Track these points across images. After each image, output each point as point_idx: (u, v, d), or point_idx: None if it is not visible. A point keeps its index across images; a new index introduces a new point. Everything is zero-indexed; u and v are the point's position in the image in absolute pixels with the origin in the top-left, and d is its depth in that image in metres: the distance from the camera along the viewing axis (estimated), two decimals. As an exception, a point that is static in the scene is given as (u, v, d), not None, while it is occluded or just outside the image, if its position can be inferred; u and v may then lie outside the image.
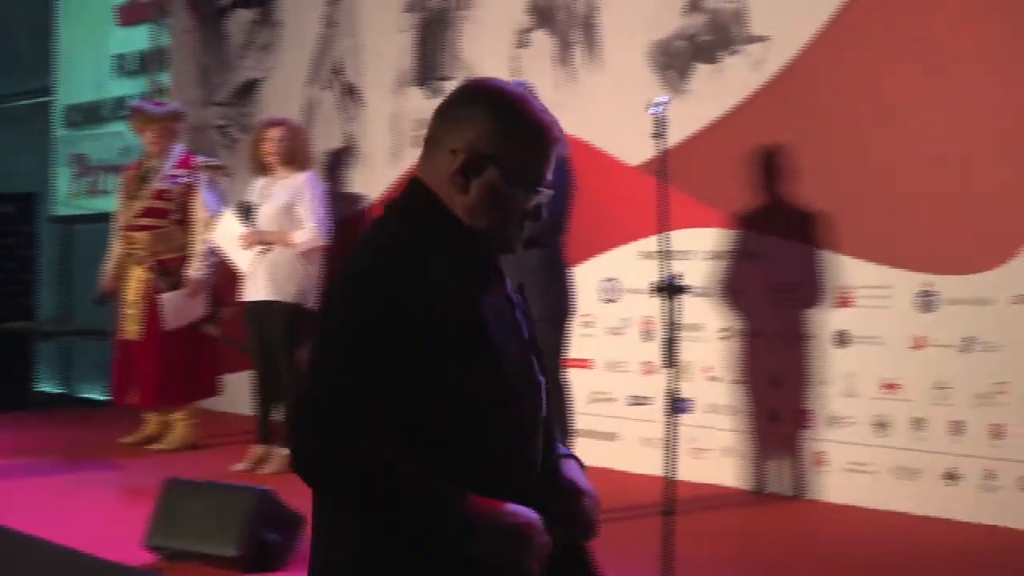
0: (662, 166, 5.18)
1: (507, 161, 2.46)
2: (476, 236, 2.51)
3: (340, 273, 2.44)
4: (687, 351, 7.14)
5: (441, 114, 2.58)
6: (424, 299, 2.34)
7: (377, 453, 2.30)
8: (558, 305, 6.14)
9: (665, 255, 5.17)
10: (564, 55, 8.12)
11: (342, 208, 8.98)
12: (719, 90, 7.30)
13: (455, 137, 2.50)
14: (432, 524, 2.32)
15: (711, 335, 7.28)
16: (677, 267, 6.86)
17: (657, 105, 5.14)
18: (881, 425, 6.56)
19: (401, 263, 2.37)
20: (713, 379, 7.26)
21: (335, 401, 2.29)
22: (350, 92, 9.59)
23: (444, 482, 2.33)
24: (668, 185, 5.26)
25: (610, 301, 7.76)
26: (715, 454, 7.22)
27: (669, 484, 4.97)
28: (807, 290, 6.85)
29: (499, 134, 2.46)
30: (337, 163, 9.59)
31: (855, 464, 6.64)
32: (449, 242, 2.46)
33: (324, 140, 9.57)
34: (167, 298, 8.08)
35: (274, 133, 7.65)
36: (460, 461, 2.38)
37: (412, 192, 2.53)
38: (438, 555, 2.33)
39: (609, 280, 7.76)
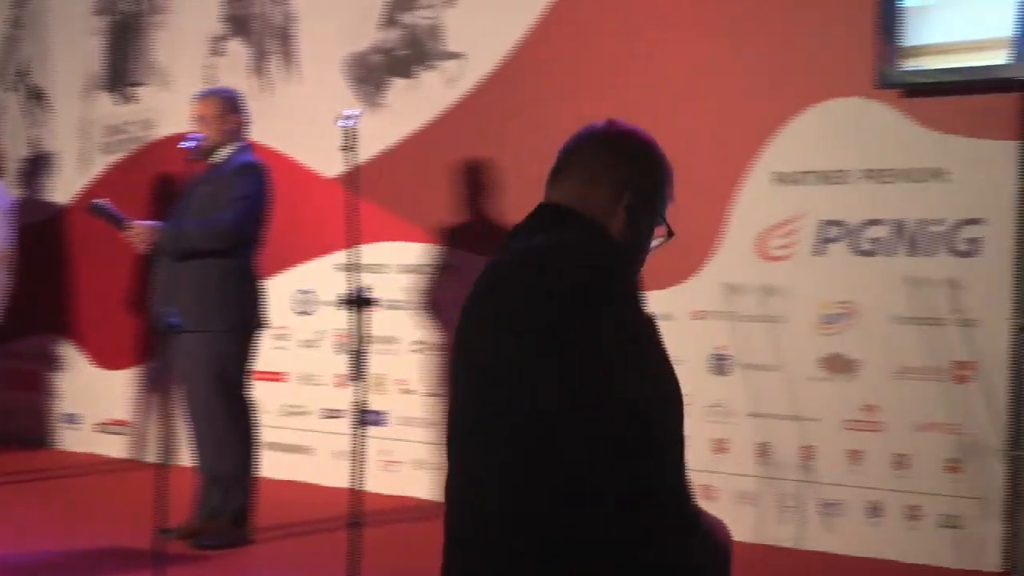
0: (353, 179, 5.19)
1: (653, 196, 2.71)
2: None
3: (575, 299, 2.34)
4: (382, 364, 7.22)
5: (596, 150, 2.74)
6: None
7: None
8: (244, 316, 6.06)
9: (354, 268, 5.17)
10: (260, 65, 8.05)
11: (30, 214, 8.65)
12: (415, 105, 7.37)
13: (617, 175, 2.67)
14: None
15: (405, 348, 7.32)
16: (372, 280, 6.94)
17: (348, 118, 5.14)
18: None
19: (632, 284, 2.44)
20: (407, 392, 7.31)
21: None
22: (37, 96, 9.27)
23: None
24: (359, 198, 5.28)
25: (304, 313, 7.72)
26: (409, 466, 7.26)
27: (356, 496, 4.97)
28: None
29: (649, 173, 2.72)
30: (27, 168, 9.25)
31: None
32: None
33: (11, 145, 9.21)
34: None
35: None
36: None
37: (581, 221, 2.60)
38: None
39: (304, 292, 7.72)
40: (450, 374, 2.50)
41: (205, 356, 5.93)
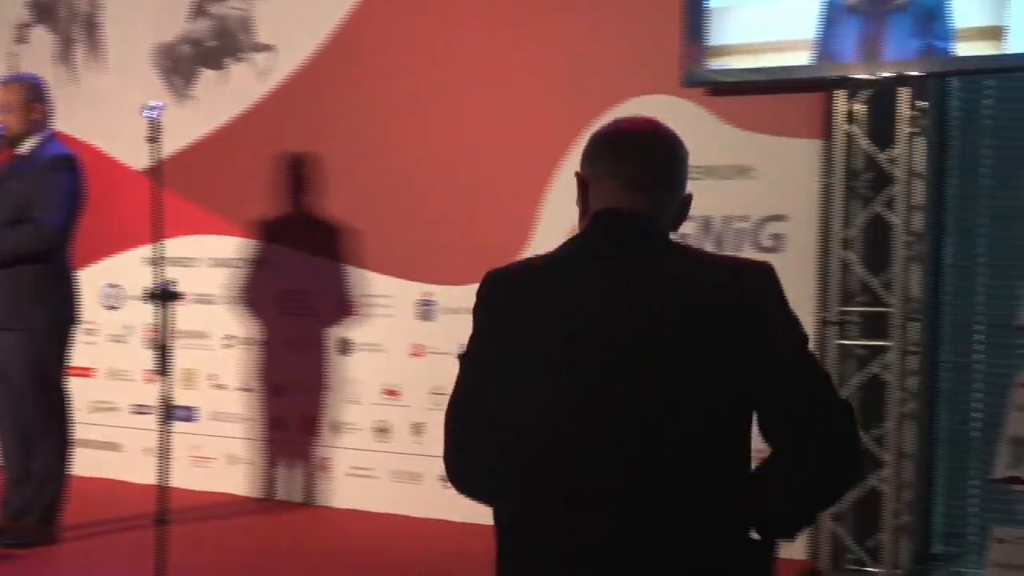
0: (158, 171, 5.10)
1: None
2: None
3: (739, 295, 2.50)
4: (192, 359, 7.12)
5: (667, 158, 2.69)
6: None
7: None
8: (62, 313, 5.92)
9: (159, 261, 5.08)
10: (65, 53, 7.85)
11: None
12: (225, 97, 7.27)
13: (681, 182, 2.68)
14: None
15: (216, 343, 7.23)
16: (182, 274, 6.83)
17: (151, 109, 5.04)
18: (383, 431, 6.72)
19: None
20: (219, 387, 7.22)
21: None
22: None
23: None
24: (163, 191, 5.19)
25: (113, 308, 7.57)
26: (221, 462, 7.18)
27: (163, 492, 4.89)
28: (312, 299, 6.93)
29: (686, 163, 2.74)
30: None
31: (359, 469, 6.77)
32: None
33: None
34: None
35: None
36: None
37: (661, 232, 2.64)
38: None
39: (112, 286, 7.57)
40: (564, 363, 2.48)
41: (24, 354, 5.80)
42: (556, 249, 2.60)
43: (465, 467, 2.62)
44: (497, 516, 2.62)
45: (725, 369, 2.43)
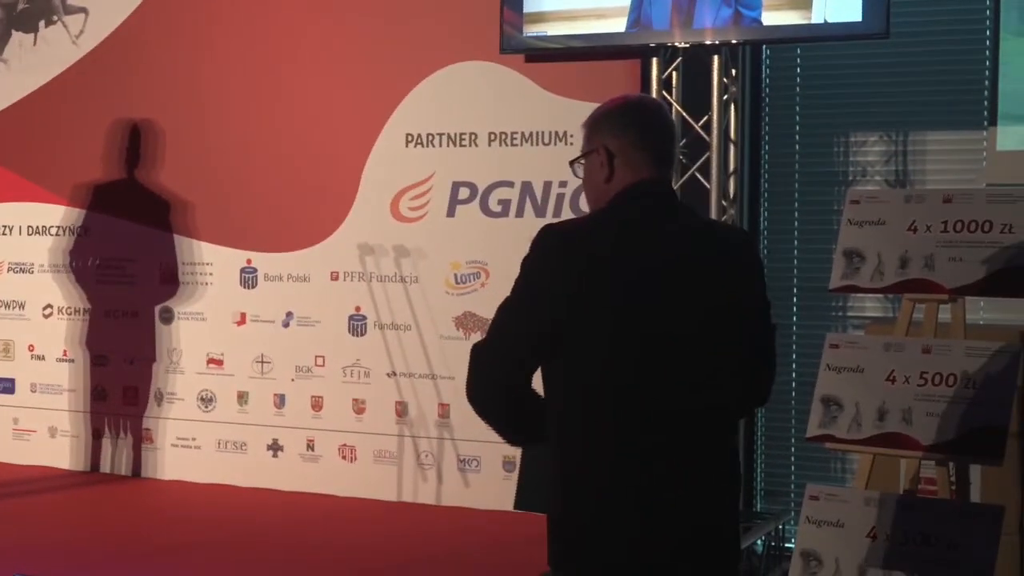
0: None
1: None
2: None
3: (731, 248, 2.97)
4: (9, 329, 6.96)
5: (676, 138, 3.04)
6: None
7: None
8: None
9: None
10: None
11: None
12: (38, 61, 7.07)
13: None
14: None
15: (35, 312, 7.06)
16: (-2, 242, 6.69)
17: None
18: (207, 400, 6.65)
19: None
20: (38, 358, 7.06)
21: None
22: None
23: None
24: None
25: (-75, 278, 7.36)
26: (43, 435, 7.03)
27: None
28: (134, 266, 6.80)
29: None
30: None
31: (184, 440, 6.70)
32: None
33: None
34: None
35: None
36: None
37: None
38: None
39: (-76, 255, 7.35)
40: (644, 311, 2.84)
41: None
42: (603, 210, 2.91)
43: (494, 398, 2.95)
44: (563, 450, 2.88)
45: (739, 320, 2.90)
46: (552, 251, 2.85)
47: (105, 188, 6.90)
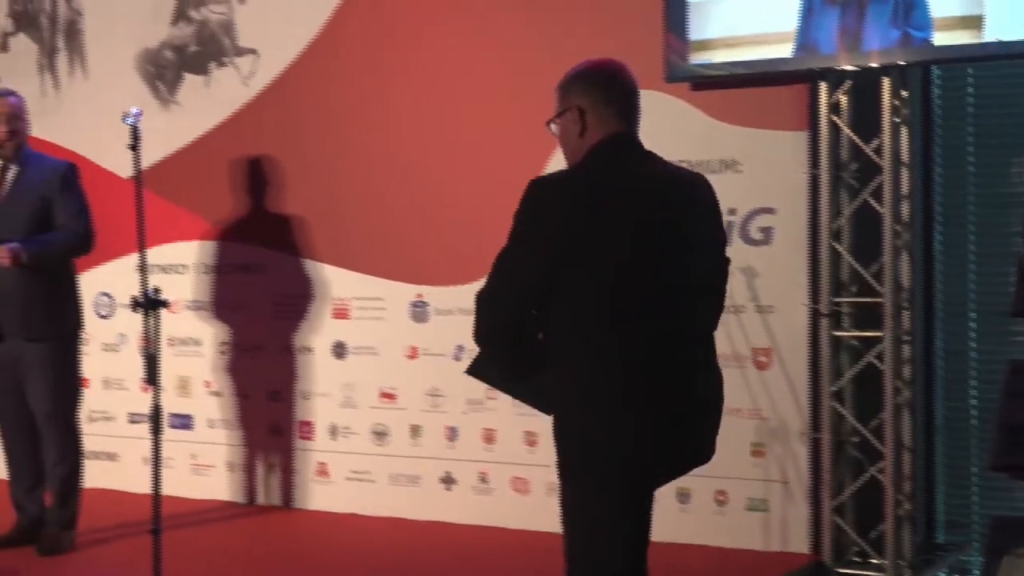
0: (140, 178, 5.12)
1: None
2: None
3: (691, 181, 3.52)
4: (186, 366, 7.14)
5: (636, 90, 3.63)
6: None
7: None
8: (77, 322, 6.09)
9: (143, 268, 5.08)
10: (49, 62, 7.82)
11: None
12: (210, 102, 7.24)
13: None
14: None
15: (210, 349, 7.22)
16: (172, 280, 6.85)
17: (131, 116, 5.04)
18: (380, 434, 6.72)
19: None
20: (214, 394, 7.21)
21: None
22: None
23: None
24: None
25: (104, 316, 7.55)
26: (220, 470, 7.18)
27: (157, 502, 4.87)
28: (304, 302, 6.91)
29: None
30: None
31: (356, 473, 6.77)
32: None
33: None
34: None
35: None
36: None
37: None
38: None
39: (104, 295, 7.55)
40: (650, 244, 3.29)
41: (50, 363, 5.90)
42: (585, 163, 3.43)
43: (499, 338, 3.37)
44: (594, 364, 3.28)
45: (712, 250, 3.47)
46: (545, 199, 3.34)
47: (278, 225, 7.03)
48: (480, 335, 3.35)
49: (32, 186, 5.91)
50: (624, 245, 3.24)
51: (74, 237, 5.91)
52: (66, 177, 5.97)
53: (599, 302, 3.24)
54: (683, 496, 5.99)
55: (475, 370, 3.59)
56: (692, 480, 5.95)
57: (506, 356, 3.41)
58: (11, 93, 6.14)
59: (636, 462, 3.31)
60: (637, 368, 3.24)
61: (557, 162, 6.26)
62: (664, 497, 6.01)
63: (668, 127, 5.99)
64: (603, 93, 3.54)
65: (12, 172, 5.96)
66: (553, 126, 3.62)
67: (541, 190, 3.35)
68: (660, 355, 3.26)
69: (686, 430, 3.34)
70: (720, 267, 3.50)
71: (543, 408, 3.47)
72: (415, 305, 6.62)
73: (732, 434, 5.86)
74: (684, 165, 5.83)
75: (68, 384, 6.00)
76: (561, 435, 3.35)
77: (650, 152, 3.50)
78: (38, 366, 5.89)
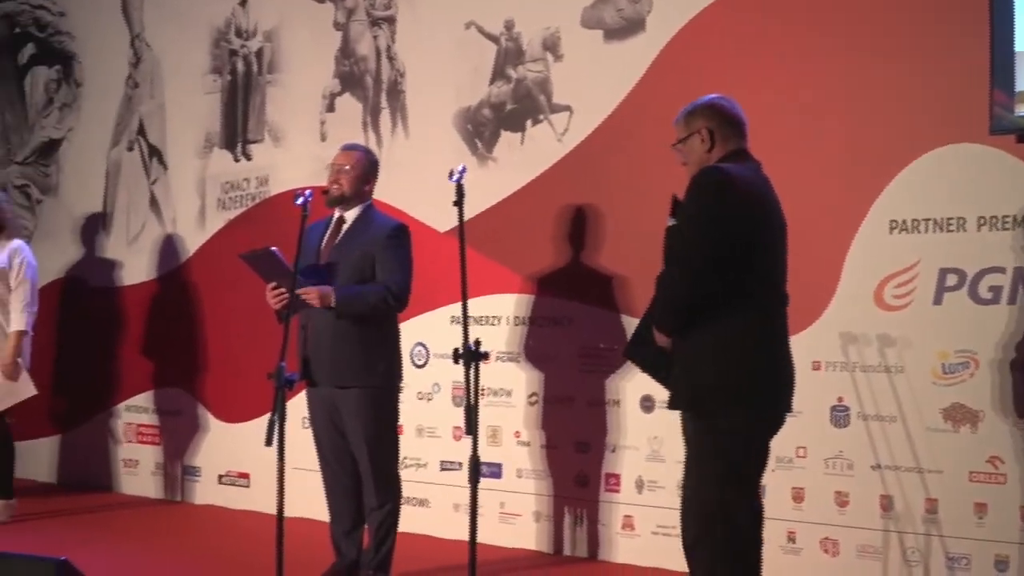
0: (462, 233, 5.26)
1: None
2: None
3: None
4: (497, 416, 7.26)
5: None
6: None
7: None
8: (397, 372, 6.27)
9: (465, 321, 5.21)
10: (372, 120, 8.13)
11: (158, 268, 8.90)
12: (524, 159, 7.40)
13: None
14: None
15: (520, 400, 7.34)
16: (485, 332, 6.99)
17: (457, 173, 5.23)
18: (687, 489, 6.67)
19: None
20: (523, 444, 7.32)
21: None
22: (154, 154, 9.44)
23: None
24: (468, 252, 5.34)
25: (419, 366, 7.76)
26: (526, 519, 7.26)
27: (472, 549, 4.96)
28: (613, 355, 6.94)
29: None
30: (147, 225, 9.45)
31: (662, 527, 6.74)
32: None
33: (127, 202, 9.46)
34: None
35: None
36: None
37: None
38: None
39: (419, 345, 7.76)
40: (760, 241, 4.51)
41: (368, 410, 6.08)
42: (737, 165, 4.57)
43: (678, 319, 4.59)
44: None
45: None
46: (727, 186, 4.41)
47: (588, 279, 7.11)
48: (659, 317, 4.67)
49: (360, 241, 6.13)
50: (767, 230, 4.55)
51: (386, 292, 6.05)
52: (391, 236, 6.15)
53: (757, 278, 4.51)
54: (1001, 563, 5.74)
55: (633, 353, 4.93)
56: (1010, 547, 5.72)
57: (674, 331, 4.58)
58: (354, 147, 6.42)
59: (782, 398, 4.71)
60: (782, 329, 4.62)
61: (875, 219, 6.19)
62: (979, 564, 5.83)
63: (991, 180, 5.82)
64: (727, 116, 4.68)
65: (346, 225, 6.21)
66: (680, 146, 4.70)
67: (718, 175, 4.47)
68: (784, 318, 4.64)
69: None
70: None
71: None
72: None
73: None
74: (1008, 219, 5.73)
75: (382, 433, 6.14)
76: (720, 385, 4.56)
77: (760, 163, 4.64)
78: (352, 413, 6.08)
